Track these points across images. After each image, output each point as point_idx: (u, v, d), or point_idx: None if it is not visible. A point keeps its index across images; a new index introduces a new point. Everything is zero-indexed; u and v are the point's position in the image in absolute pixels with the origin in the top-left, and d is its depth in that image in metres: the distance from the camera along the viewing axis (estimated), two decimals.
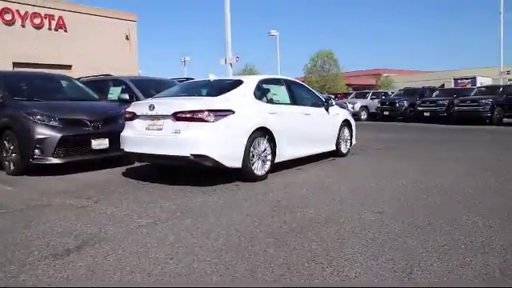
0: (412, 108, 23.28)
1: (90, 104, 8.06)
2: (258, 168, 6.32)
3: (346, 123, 9.07)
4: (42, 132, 6.84)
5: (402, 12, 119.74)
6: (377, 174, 6.80)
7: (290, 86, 7.65)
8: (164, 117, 5.90)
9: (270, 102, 6.89)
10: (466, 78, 43.29)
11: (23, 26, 18.58)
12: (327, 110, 8.45)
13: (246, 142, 6.01)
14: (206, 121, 5.65)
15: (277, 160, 6.76)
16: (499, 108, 19.42)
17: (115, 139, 7.07)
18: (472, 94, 22.03)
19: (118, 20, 22.45)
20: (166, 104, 6.03)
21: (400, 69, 60.51)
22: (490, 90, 22.20)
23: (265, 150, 6.44)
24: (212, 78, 7.02)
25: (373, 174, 6.90)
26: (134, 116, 6.27)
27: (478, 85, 35.38)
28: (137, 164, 7.59)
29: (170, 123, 5.82)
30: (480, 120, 19.35)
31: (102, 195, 5.48)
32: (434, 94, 24.19)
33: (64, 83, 8.84)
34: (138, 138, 6.15)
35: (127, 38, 23.13)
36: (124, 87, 9.70)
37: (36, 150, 6.82)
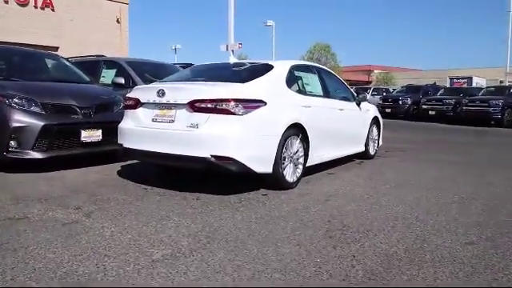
0: (415, 106, 22.26)
1: (79, 87, 6.71)
2: (290, 173, 5.10)
3: (375, 121, 7.90)
4: (19, 119, 5.51)
5: (393, 7, 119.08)
6: (427, 184, 5.64)
7: (321, 74, 6.43)
8: (177, 106, 4.62)
9: (303, 93, 5.65)
10: (463, 78, 42.68)
11: (6, 1, 16.96)
12: (359, 105, 7.26)
13: (278, 142, 4.77)
14: (233, 113, 4.40)
15: (308, 163, 5.56)
16: (510, 109, 18.57)
17: (109, 130, 5.88)
18: (480, 94, 21.07)
19: (108, 1, 20.95)
20: (181, 90, 4.74)
21: (389, 66, 59.52)
22: (499, 90, 21.31)
23: (297, 151, 5.22)
24: (232, 60, 5.75)
25: (422, 183, 5.72)
26: (137, 103, 4.97)
27: (474, 85, 34.66)
28: (134, 160, 6.26)
29: (184, 114, 4.55)
30: (488, 121, 18.45)
31: (94, 205, 4.21)
32: (439, 93, 23.20)
33: (49, 62, 7.46)
34: (141, 131, 4.86)
35: (118, 22, 21.70)
36: (119, 70, 8.38)
37: (12, 142, 5.49)
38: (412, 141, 11.60)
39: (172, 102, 4.64)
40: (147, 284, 2.52)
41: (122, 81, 7.83)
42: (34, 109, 5.65)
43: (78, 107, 5.96)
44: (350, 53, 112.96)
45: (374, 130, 7.95)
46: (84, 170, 6.00)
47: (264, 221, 3.84)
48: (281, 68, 5.41)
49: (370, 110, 7.78)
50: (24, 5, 17.64)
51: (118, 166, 6.31)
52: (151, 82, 6.37)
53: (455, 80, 42.63)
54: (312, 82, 6.05)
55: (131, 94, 5.12)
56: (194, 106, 4.48)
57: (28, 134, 5.51)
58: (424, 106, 21.73)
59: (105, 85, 7.96)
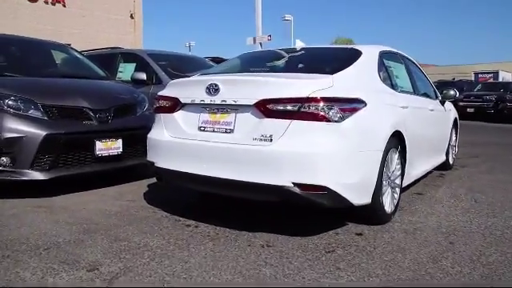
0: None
1: (93, 84, 5.25)
2: (388, 201, 3.61)
3: (455, 123, 6.38)
4: (13, 128, 4.08)
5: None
6: None
7: (407, 64, 4.91)
8: (238, 108, 3.15)
9: (395, 88, 4.12)
10: (488, 72, 40.98)
11: None
12: (443, 104, 5.73)
13: (381, 159, 3.27)
14: (327, 119, 2.90)
15: (404, 183, 4.05)
16: None
17: (132, 139, 4.66)
18: None
19: None
20: (244, 84, 3.25)
21: None
22: None
23: (394, 169, 3.71)
24: (300, 45, 4.24)
25: None
26: (175, 105, 3.49)
27: (500, 79, 33.05)
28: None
29: (250, 121, 3.07)
30: None
31: (119, 260, 2.78)
32: (476, 89, 21.52)
33: (56, 54, 6.00)
34: (182, 145, 3.37)
35: (132, 17, 20.79)
36: (139, 64, 6.93)
37: (3, 158, 4.04)
38: (474, 143, 10.01)
39: (230, 101, 3.16)
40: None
41: (143, 76, 6.40)
42: (33, 113, 4.21)
43: (91, 110, 4.50)
44: None
45: (453, 133, 6.42)
46: (99, 192, 4.56)
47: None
48: (370, 54, 3.90)
49: (451, 109, 6.26)
50: (35, 0, 16.48)
51: (142, 184, 4.86)
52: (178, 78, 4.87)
53: (480, 75, 40.82)
54: (400, 74, 4.53)
55: (166, 92, 3.64)
56: (266, 108, 2.99)
57: (25, 148, 4.08)
58: (461, 103, 20.01)
59: (122, 82, 6.49)
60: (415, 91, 4.69)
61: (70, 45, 6.59)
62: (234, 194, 3.33)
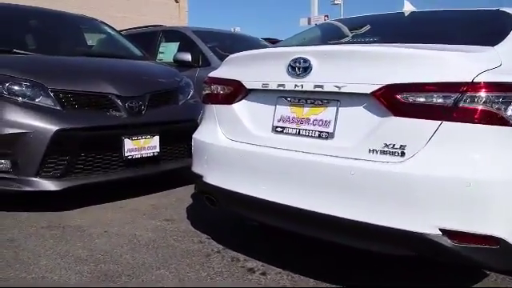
0: None
1: (123, 65, 4.12)
2: None
3: None
4: (13, 121, 3.03)
5: None
6: None
7: None
8: (341, 99, 1.91)
9: None
10: None
11: None
12: None
13: None
14: (503, 121, 1.57)
15: None
16: None
17: (172, 136, 3.57)
18: None
19: None
20: (353, 58, 1.95)
21: None
22: None
23: None
24: (410, 8, 2.93)
25: None
26: (235, 91, 2.25)
27: None
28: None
29: (363, 120, 1.84)
30: None
31: None
32: None
33: (83, 29, 4.89)
34: (246, 153, 2.16)
35: (177, 1, 19.86)
36: (183, 43, 5.79)
37: (1, 162, 2.97)
38: None
39: (330, 88, 1.92)
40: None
41: (188, 57, 5.29)
42: (41, 101, 3.13)
43: (119, 98, 3.37)
44: None
45: None
46: (127, 205, 3.47)
47: None
48: None
49: None
50: None
51: (184, 194, 3.71)
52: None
53: None
54: None
55: (222, 72, 2.44)
56: (395, 99, 1.75)
57: (30, 148, 3.01)
58: None
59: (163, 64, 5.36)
60: None
61: None
62: (330, 239, 2.08)
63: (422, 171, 1.70)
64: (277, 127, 2.11)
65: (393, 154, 1.75)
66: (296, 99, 2.05)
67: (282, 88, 2.05)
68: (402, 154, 1.74)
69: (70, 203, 3.32)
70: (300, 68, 1.96)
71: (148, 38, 6.32)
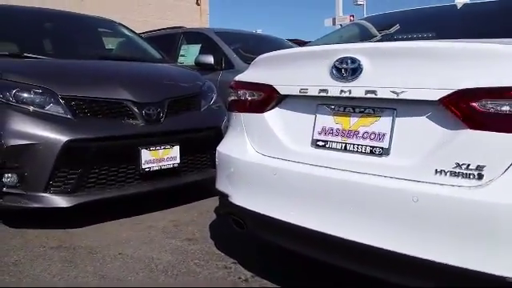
0: None
1: (140, 68, 3.83)
2: None
3: None
4: (20, 131, 2.76)
5: None
6: None
7: None
8: (398, 107, 1.53)
9: None
10: None
11: None
12: None
13: None
14: None
15: None
16: None
17: (193, 146, 3.27)
18: None
19: None
20: (416, 57, 1.58)
21: None
22: None
23: None
24: (462, 0, 2.54)
25: None
26: (267, 98, 1.90)
27: None
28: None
29: (427, 133, 1.45)
30: None
31: None
32: None
33: (99, 31, 4.62)
34: (280, 172, 1.80)
35: (198, 4, 19.68)
36: (205, 45, 5.50)
37: (8, 176, 2.71)
38: None
39: (385, 94, 1.56)
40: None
41: (210, 60, 5.00)
42: (50, 109, 2.86)
43: (135, 104, 3.08)
44: None
45: None
46: (144, 221, 3.17)
47: None
48: None
49: None
50: None
51: (206, 207, 3.39)
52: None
53: None
54: None
55: (251, 74, 2.11)
56: (470, 107, 1.37)
57: (38, 161, 2.74)
58: None
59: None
60: None
61: None
62: (387, 277, 1.71)
63: (506, 199, 1.34)
64: (317, 141, 1.76)
65: (467, 176, 1.39)
66: (341, 107, 1.71)
67: (324, 94, 1.71)
68: (480, 176, 1.38)
69: (83, 218, 3.04)
70: (347, 70, 1.62)
71: (168, 41, 6.05)
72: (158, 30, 6.90)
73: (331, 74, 1.68)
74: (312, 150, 1.77)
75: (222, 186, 2.16)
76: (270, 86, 1.91)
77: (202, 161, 3.44)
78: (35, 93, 2.86)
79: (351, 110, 1.68)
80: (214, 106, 3.67)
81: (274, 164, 1.86)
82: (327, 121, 1.74)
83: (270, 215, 1.87)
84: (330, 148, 1.72)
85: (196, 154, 3.40)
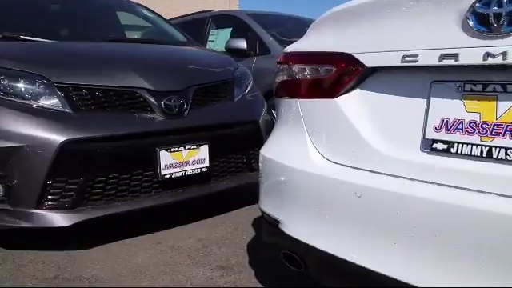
0: None
1: (159, 51, 3.17)
2: None
3: None
4: (6, 130, 2.10)
5: None
6: None
7: None
8: None
9: None
10: None
11: None
12: None
13: None
14: None
15: None
16: None
17: (225, 145, 2.61)
18: None
19: None
20: None
21: None
22: None
23: None
24: None
25: None
26: (342, 75, 1.17)
27: None
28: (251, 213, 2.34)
29: None
30: None
31: None
32: None
33: (122, 12, 4.01)
34: (365, 191, 1.06)
35: None
36: (237, 28, 4.87)
37: None
38: None
39: None
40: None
41: (243, 44, 4.37)
42: (44, 101, 2.22)
43: (152, 94, 2.42)
44: None
45: None
46: (165, 239, 2.55)
47: None
48: None
49: None
50: None
51: (240, 220, 2.76)
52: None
53: None
54: None
55: (312, 43, 1.38)
56: None
57: (27, 168, 2.12)
58: None
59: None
60: None
61: None
62: None
63: None
64: (434, 142, 1.05)
65: None
66: (480, 84, 0.98)
67: (448, 62, 0.99)
68: None
69: (88, 236, 2.43)
70: (500, 16, 0.89)
71: (195, 26, 5.45)
72: (183, 15, 6.27)
73: (465, 25, 0.96)
74: (424, 156, 1.06)
75: (268, 207, 1.47)
76: (348, 56, 1.20)
77: (237, 163, 2.78)
78: (25, 81, 2.26)
79: (501, 89, 0.95)
80: (249, 95, 3.00)
81: (356, 179, 1.15)
82: (452, 108, 1.02)
83: (347, 259, 1.17)
84: (459, 154, 1.00)
85: (229, 155, 2.74)
